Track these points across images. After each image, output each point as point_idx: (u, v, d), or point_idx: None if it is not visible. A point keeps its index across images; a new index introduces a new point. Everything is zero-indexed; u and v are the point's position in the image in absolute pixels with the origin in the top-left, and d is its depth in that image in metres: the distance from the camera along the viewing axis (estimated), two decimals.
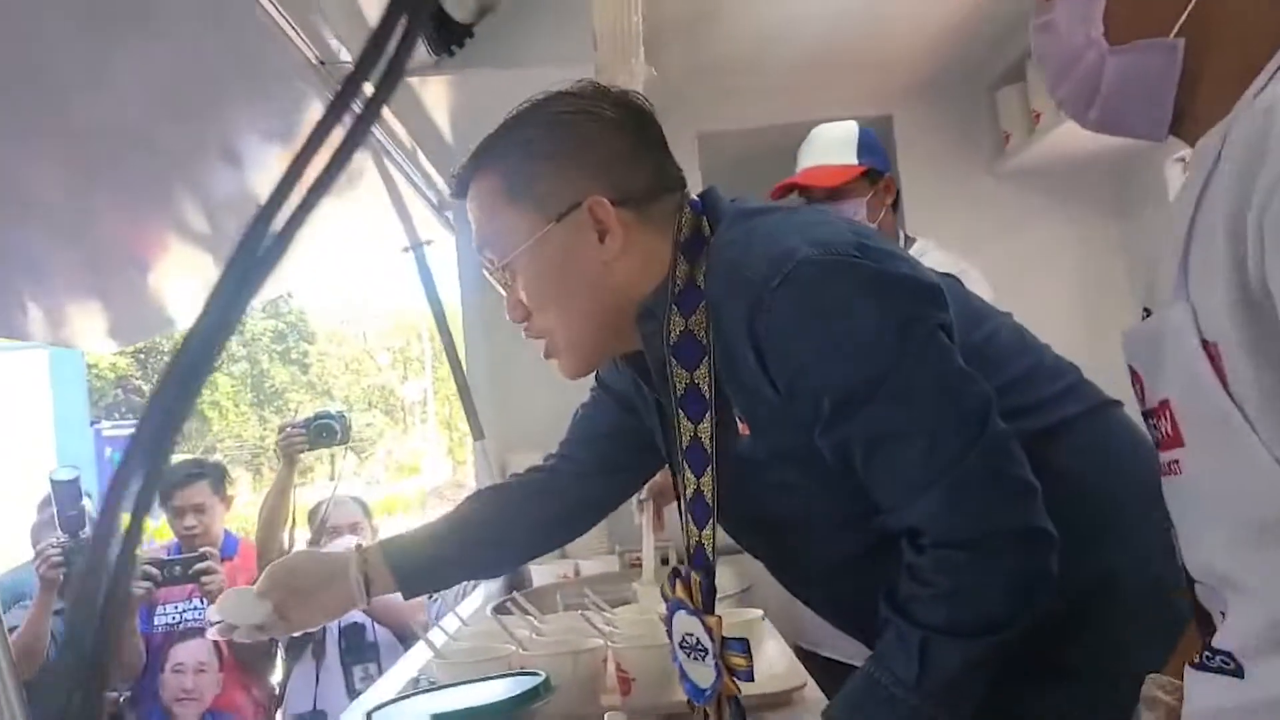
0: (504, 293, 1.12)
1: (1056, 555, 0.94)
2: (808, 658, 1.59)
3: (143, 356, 21.17)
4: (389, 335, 25.22)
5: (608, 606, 1.58)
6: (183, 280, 2.96)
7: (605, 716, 1.06)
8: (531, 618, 1.59)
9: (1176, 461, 0.66)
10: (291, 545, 2.86)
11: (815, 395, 0.97)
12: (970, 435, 0.94)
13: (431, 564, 1.33)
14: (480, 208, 1.11)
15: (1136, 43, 0.69)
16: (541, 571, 2.34)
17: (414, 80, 1.89)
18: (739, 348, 0.99)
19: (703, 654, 1.05)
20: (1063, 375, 1.11)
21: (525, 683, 1.16)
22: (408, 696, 1.22)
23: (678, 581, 1.09)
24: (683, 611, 1.08)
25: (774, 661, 1.53)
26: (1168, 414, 0.65)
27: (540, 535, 1.42)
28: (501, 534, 1.37)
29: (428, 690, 1.26)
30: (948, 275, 1.12)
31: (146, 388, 22.47)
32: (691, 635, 1.07)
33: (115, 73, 1.79)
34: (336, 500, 3.26)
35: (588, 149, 1.07)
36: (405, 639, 2.95)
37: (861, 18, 2.57)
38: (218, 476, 3.06)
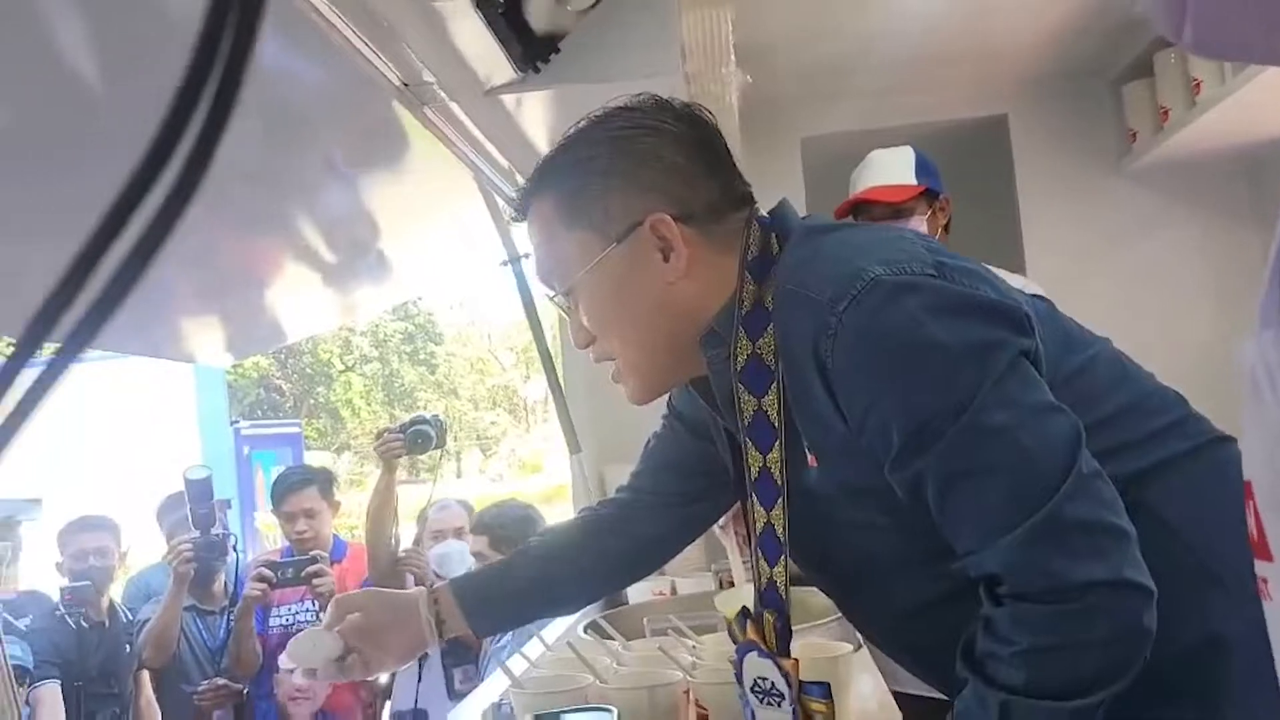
0: (567, 317, 1.10)
1: (1154, 611, 0.85)
2: (904, 700, 1.52)
3: (283, 357, 22.16)
4: (512, 336, 25.69)
5: (693, 635, 1.54)
6: (290, 297, 3.07)
7: None
8: (615, 644, 1.57)
9: (1265, 581, 0.49)
10: (398, 544, 2.92)
11: (885, 426, 0.90)
12: (1056, 475, 0.85)
13: (503, 603, 1.30)
14: (538, 231, 1.08)
15: None
16: (638, 589, 2.30)
17: (508, 99, 1.89)
18: (806, 374, 0.94)
19: (778, 699, 1.00)
20: (1167, 409, 1.01)
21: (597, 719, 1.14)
22: None
23: (749, 623, 1.04)
24: (754, 654, 1.03)
25: (865, 699, 1.47)
26: (1251, 504, 0.48)
27: (613, 572, 1.38)
28: (573, 572, 1.33)
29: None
30: (1037, 297, 1.04)
31: (286, 386, 23.54)
32: (765, 679, 1.01)
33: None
34: (442, 504, 3.32)
35: (648, 165, 1.02)
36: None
37: (972, 11, 2.46)
38: (326, 482, 3.16)
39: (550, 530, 1.41)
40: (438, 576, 2.86)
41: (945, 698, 1.70)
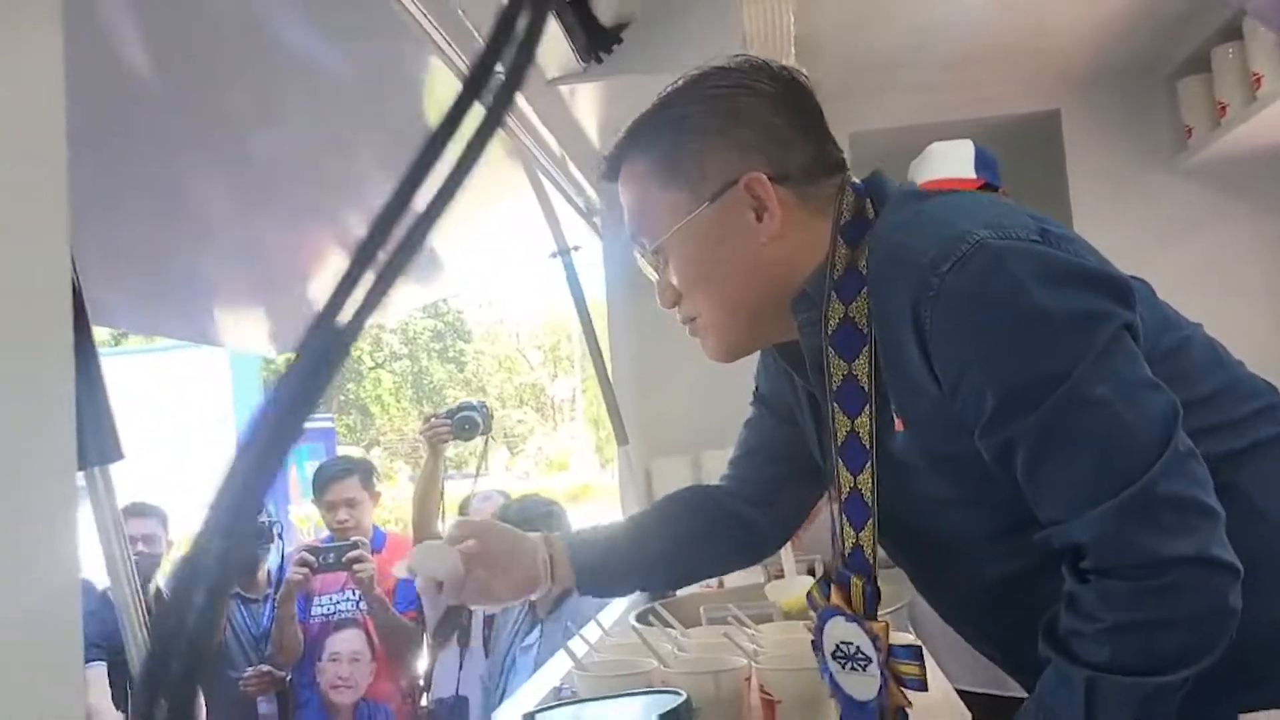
0: (654, 277, 1.09)
1: (1239, 590, 0.84)
2: (964, 696, 1.51)
3: None
4: (540, 335, 25.82)
5: (751, 623, 1.54)
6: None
7: None
8: (674, 631, 1.57)
9: None
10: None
11: (979, 391, 0.89)
12: (1152, 451, 0.84)
13: (607, 566, 1.29)
14: (632, 191, 1.08)
15: None
16: None
17: (564, 89, 1.90)
18: (902, 336, 0.92)
19: (864, 663, 0.99)
20: (1258, 395, 1.00)
21: (667, 702, 1.14)
22: (552, 708, 1.22)
23: (831, 587, 1.02)
24: (840, 618, 1.01)
25: (928, 694, 1.46)
26: None
27: (714, 558, 1.37)
28: (680, 552, 1.32)
29: (570, 702, 1.26)
30: (1135, 278, 1.03)
31: None
32: (849, 644, 1.00)
33: (280, 101, 1.88)
34: (485, 495, 3.35)
35: (744, 125, 1.02)
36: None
37: (1025, 5, 2.44)
38: (367, 473, 3.18)
39: (664, 504, 1.39)
40: None
41: (999, 693, 1.69)
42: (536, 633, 2.60)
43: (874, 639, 0.97)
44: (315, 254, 2.99)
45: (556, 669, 1.53)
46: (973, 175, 2.04)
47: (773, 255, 1.02)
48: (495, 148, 2.05)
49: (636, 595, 2.39)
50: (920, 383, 0.93)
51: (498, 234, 3.02)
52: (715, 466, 2.49)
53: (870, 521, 0.98)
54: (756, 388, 1.30)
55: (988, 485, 0.94)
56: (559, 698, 1.48)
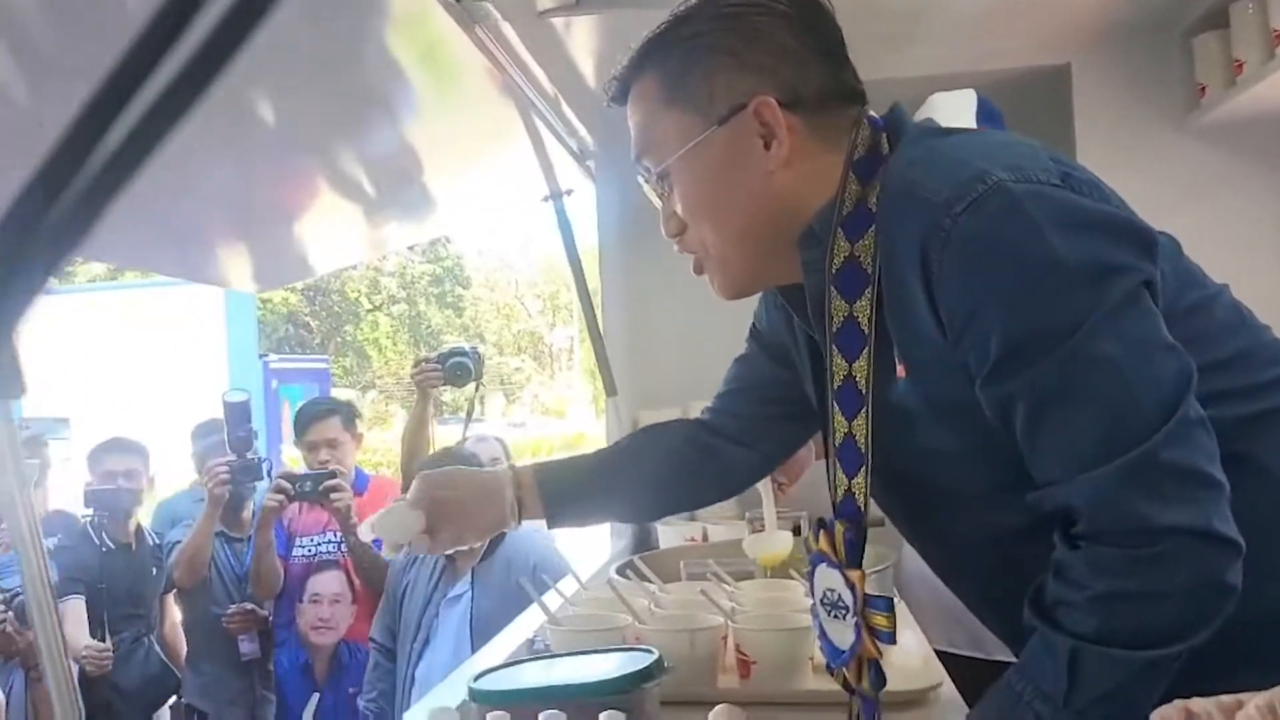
0: (658, 204, 1.04)
1: (1239, 568, 0.81)
2: (944, 658, 1.48)
3: (311, 294, 22.28)
4: (539, 283, 25.75)
5: (731, 580, 1.51)
6: (322, 228, 3.03)
7: (716, 709, 0.98)
8: (653, 586, 1.54)
9: None
10: None
11: (984, 338, 0.84)
12: (1157, 416, 0.80)
13: (579, 497, 1.27)
14: (638, 111, 1.03)
15: None
16: (668, 533, 2.29)
17: (557, 21, 1.82)
18: (907, 277, 0.88)
19: (844, 612, 0.96)
20: None
21: (638, 659, 1.11)
22: (517, 663, 1.18)
23: (822, 533, 0.98)
24: (824, 565, 0.98)
25: (909, 656, 1.43)
26: None
27: (685, 491, 1.34)
28: (654, 483, 1.30)
29: (537, 658, 1.23)
30: (1164, 234, 0.96)
31: (314, 324, 23.69)
32: (833, 591, 0.97)
33: (263, 37, 1.81)
34: (480, 437, 3.32)
35: (756, 45, 0.97)
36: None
37: None
38: (349, 414, 3.15)
39: (638, 434, 1.36)
40: None
41: (979, 656, 1.66)
42: (465, 583, 2.56)
43: (851, 587, 0.95)
44: (298, 192, 2.92)
45: (530, 621, 1.50)
46: (973, 126, 1.98)
47: (780, 185, 0.97)
48: (488, 84, 1.98)
49: (618, 548, 2.37)
50: (924, 327, 0.89)
51: (491, 174, 2.95)
52: None
53: (863, 469, 0.94)
54: (754, 324, 1.26)
55: (991, 437, 0.90)
56: (531, 650, 1.45)
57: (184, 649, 3.26)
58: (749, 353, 1.28)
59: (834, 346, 0.95)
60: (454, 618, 2.54)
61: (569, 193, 2.40)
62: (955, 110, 2.03)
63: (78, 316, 8.98)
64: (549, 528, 1.27)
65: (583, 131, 2.29)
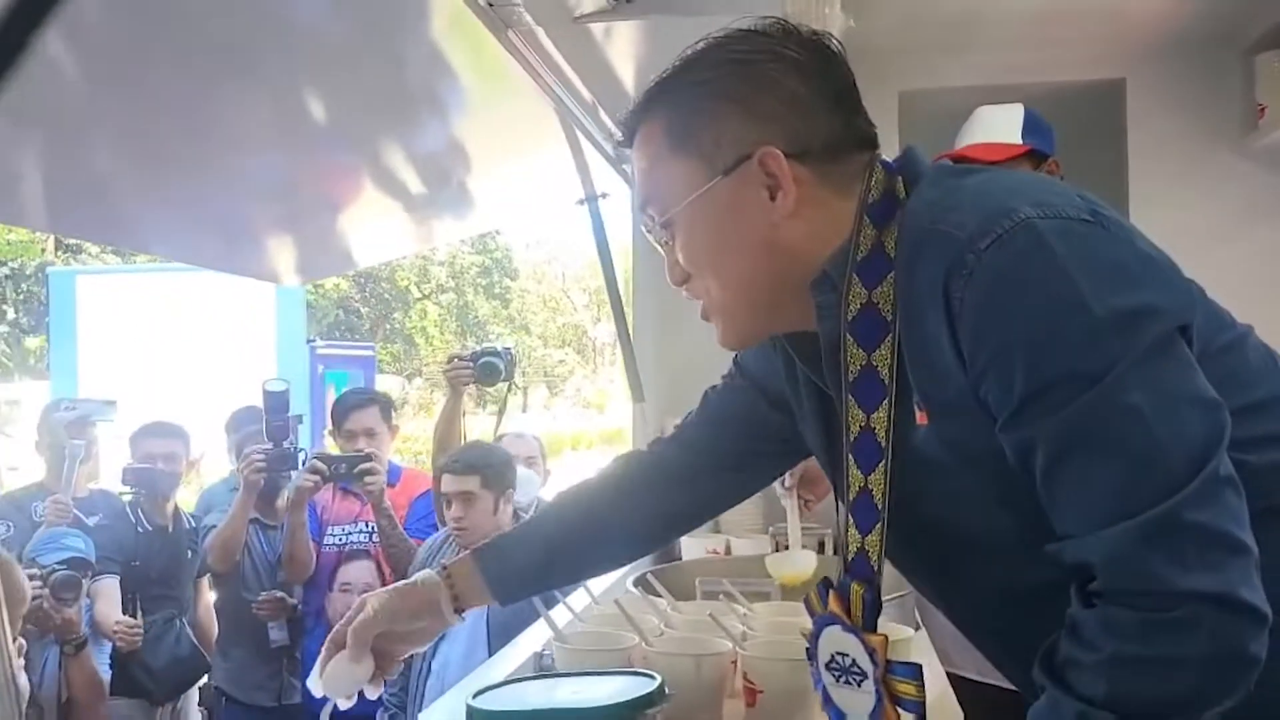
0: (664, 253, 1.02)
1: (1264, 639, 0.76)
2: (958, 683, 1.44)
3: (362, 281, 22.52)
4: (586, 277, 25.77)
5: (744, 602, 1.48)
6: (364, 222, 3.05)
7: None
8: (664, 603, 1.52)
9: None
10: None
11: (1006, 379, 0.81)
12: (1183, 473, 0.76)
13: (526, 572, 1.22)
14: (643, 156, 1.00)
15: None
16: (691, 545, 2.26)
17: (593, 27, 1.81)
18: (928, 315, 0.85)
19: (858, 679, 0.93)
20: None
21: (641, 685, 1.09)
22: (519, 681, 1.18)
23: (830, 593, 0.95)
24: (836, 628, 0.94)
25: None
26: None
27: (647, 536, 1.28)
28: (604, 535, 1.24)
29: (540, 677, 1.22)
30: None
31: (364, 310, 23.96)
32: (845, 656, 0.94)
33: (308, 30, 1.82)
34: (518, 433, 3.32)
35: (766, 93, 0.94)
36: None
37: None
38: (386, 405, 3.18)
39: (583, 485, 1.30)
40: None
41: (1006, 686, 1.62)
42: None
43: (871, 652, 0.91)
44: (342, 186, 2.94)
45: (539, 635, 1.49)
46: (1018, 141, 1.93)
47: (787, 237, 0.94)
48: (528, 85, 1.97)
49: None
50: (946, 368, 0.85)
51: (530, 174, 2.95)
52: None
53: (879, 525, 0.90)
54: (739, 359, 1.21)
55: (1015, 484, 0.86)
56: (539, 664, 1.44)
57: (215, 632, 3.31)
58: (738, 387, 1.21)
59: (850, 396, 0.92)
60: (471, 613, 2.54)
61: (604, 196, 2.38)
62: (1001, 125, 1.98)
63: (129, 297, 9.17)
64: (502, 605, 1.23)
65: (619, 135, 2.27)
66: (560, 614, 1.42)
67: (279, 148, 2.58)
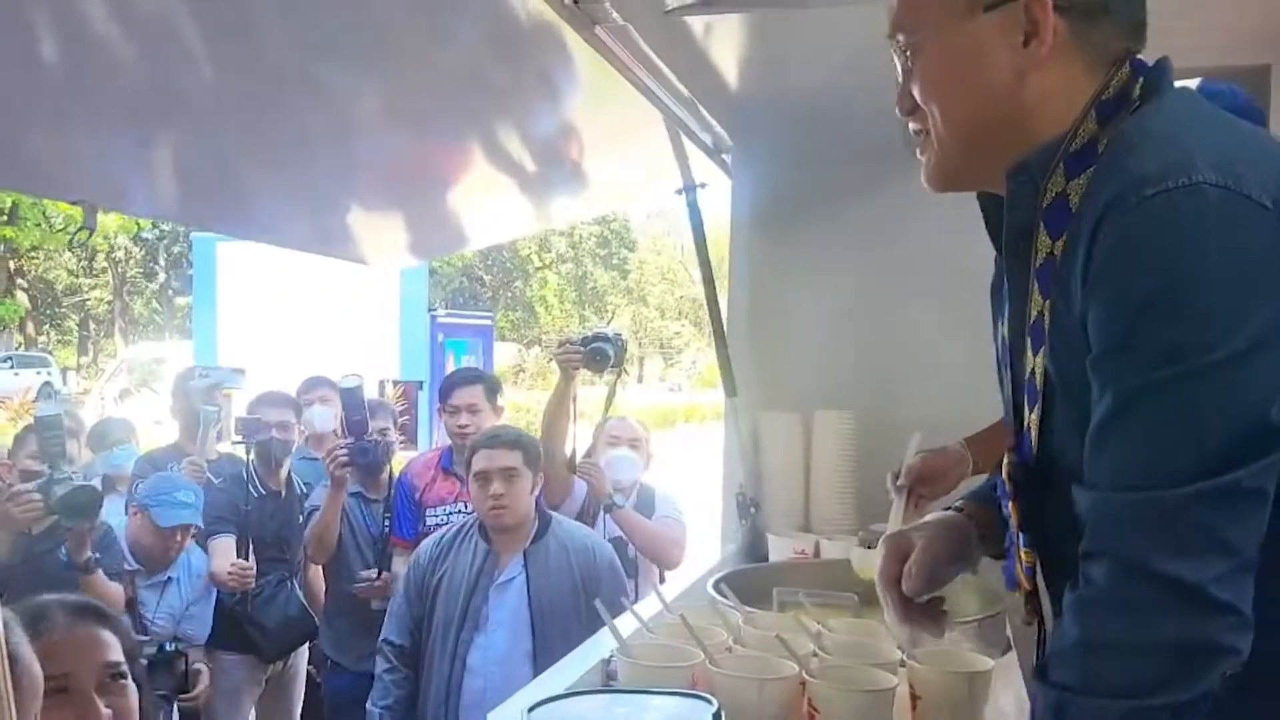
0: (900, 78, 1.01)
1: (1243, 634, 0.79)
2: None
3: (484, 250, 22.99)
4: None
5: (815, 619, 1.44)
6: (475, 202, 3.09)
7: None
8: (737, 613, 1.50)
9: None
10: (574, 453, 2.95)
11: (1110, 321, 0.83)
12: (1207, 469, 0.78)
13: None
14: None
15: None
16: (779, 545, 2.23)
17: (694, 22, 1.76)
18: (1082, 232, 0.86)
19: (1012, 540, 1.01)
20: None
21: (696, 711, 1.08)
22: (577, 694, 1.17)
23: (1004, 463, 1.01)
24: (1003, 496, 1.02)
25: (1004, 716, 1.34)
26: None
27: None
28: None
29: (600, 691, 1.21)
30: None
31: (487, 278, 24.50)
32: (1010, 517, 1.01)
33: (424, 11, 1.84)
34: (620, 418, 3.33)
35: None
36: (660, 564, 3.03)
37: None
38: (492, 386, 3.22)
39: None
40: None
41: None
42: (516, 566, 2.51)
43: (1008, 518, 1.00)
44: (451, 163, 2.98)
45: (608, 641, 1.48)
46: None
47: (1026, 88, 0.94)
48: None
49: (726, 552, 2.33)
50: (1073, 289, 0.87)
51: (643, 158, 2.92)
52: (827, 428, 2.38)
53: (1039, 405, 0.94)
54: None
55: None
56: (605, 672, 1.44)
57: (324, 596, 3.43)
58: None
59: (1035, 281, 0.92)
60: (508, 602, 2.49)
61: (703, 186, 2.34)
62: None
63: (265, 264, 9.56)
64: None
65: (718, 128, 2.22)
66: (626, 622, 1.41)
67: (396, 135, 2.63)
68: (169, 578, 2.99)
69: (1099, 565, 0.83)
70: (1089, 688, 0.81)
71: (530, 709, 1.11)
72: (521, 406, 11.99)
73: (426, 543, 2.72)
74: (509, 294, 25.21)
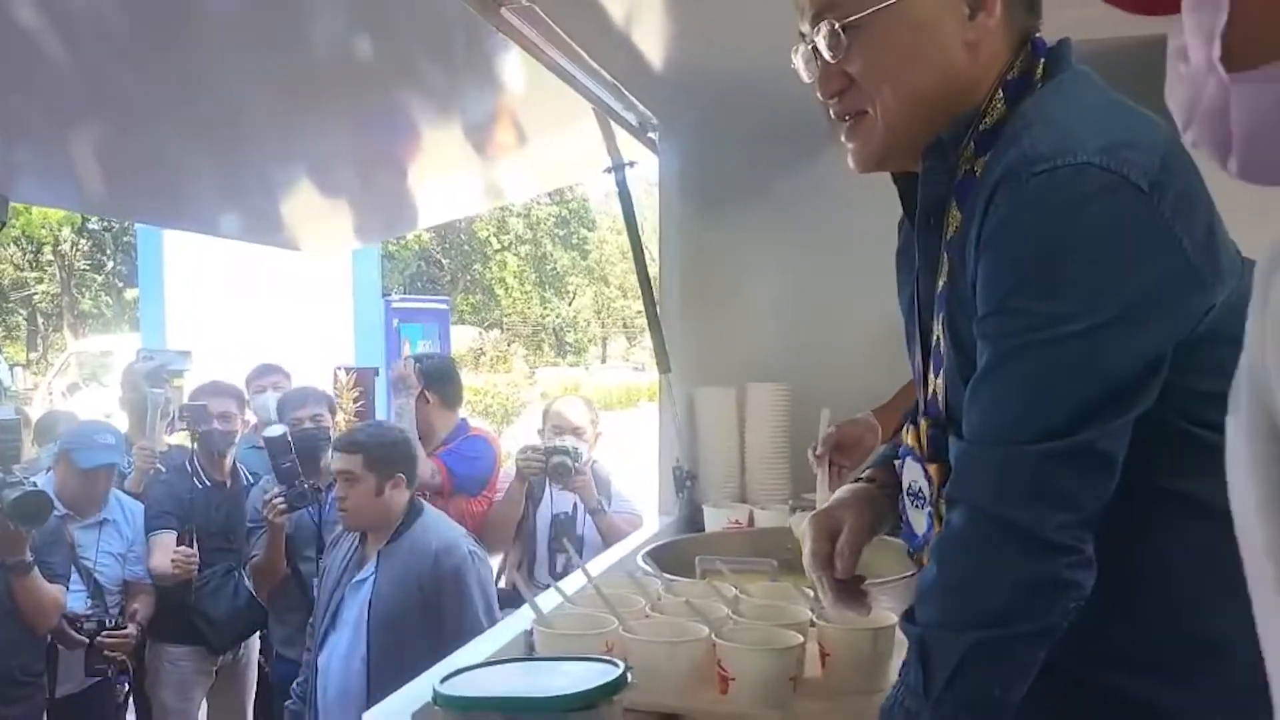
0: (825, 56, 0.98)
1: (1088, 574, 0.86)
2: None
3: (442, 232, 22.80)
4: None
5: (733, 584, 1.48)
6: (419, 182, 3.08)
7: None
8: (658, 582, 1.53)
9: None
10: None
11: (992, 287, 0.88)
12: (1062, 431, 0.84)
13: None
14: None
15: (1265, 68, 0.49)
16: (715, 515, 2.27)
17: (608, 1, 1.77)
18: (979, 204, 0.90)
19: (921, 501, 1.04)
20: None
21: (605, 673, 1.11)
22: (490, 664, 1.20)
23: (909, 428, 1.06)
24: (910, 458, 1.06)
25: None
26: None
27: None
28: None
29: (514, 660, 1.24)
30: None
31: (445, 261, 24.29)
32: (915, 482, 1.05)
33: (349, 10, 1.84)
34: (569, 400, 3.34)
35: None
36: (608, 541, 3.04)
37: None
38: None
39: None
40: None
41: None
42: (371, 566, 2.51)
43: (929, 479, 1.01)
44: (389, 145, 2.97)
45: (526, 616, 1.51)
46: None
47: (977, 62, 0.96)
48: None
49: (664, 524, 2.37)
50: (968, 256, 0.92)
51: (571, 142, 2.93)
52: (760, 400, 2.42)
53: (944, 369, 0.99)
54: None
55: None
56: (527, 642, 1.47)
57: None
58: None
59: (945, 253, 0.97)
60: (356, 603, 2.49)
61: (632, 164, 2.36)
62: None
63: (212, 252, 9.43)
64: None
65: (641, 107, 2.24)
66: (549, 598, 1.44)
67: (328, 120, 2.62)
68: (104, 519, 2.99)
69: (956, 511, 0.90)
70: (946, 623, 0.88)
71: (443, 679, 1.14)
72: (481, 390, 11.96)
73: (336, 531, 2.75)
74: (468, 277, 25.02)
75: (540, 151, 3.16)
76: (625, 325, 27.26)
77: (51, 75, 1.90)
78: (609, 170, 2.35)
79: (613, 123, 2.27)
